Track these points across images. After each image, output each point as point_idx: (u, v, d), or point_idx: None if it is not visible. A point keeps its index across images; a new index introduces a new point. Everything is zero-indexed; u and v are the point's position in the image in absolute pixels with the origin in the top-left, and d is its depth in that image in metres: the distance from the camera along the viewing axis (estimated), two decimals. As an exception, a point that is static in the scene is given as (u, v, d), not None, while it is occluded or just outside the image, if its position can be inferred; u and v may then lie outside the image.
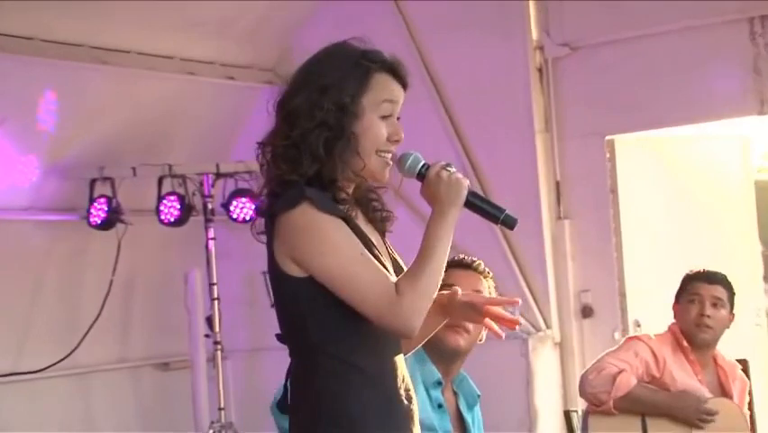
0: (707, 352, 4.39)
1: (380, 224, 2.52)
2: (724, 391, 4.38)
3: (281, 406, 2.45)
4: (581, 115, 6.33)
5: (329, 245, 2.29)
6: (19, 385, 5.86)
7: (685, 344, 4.35)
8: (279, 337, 2.44)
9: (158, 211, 6.03)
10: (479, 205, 2.43)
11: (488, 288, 3.50)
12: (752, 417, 4.61)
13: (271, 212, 2.36)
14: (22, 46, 5.52)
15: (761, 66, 5.88)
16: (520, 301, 2.58)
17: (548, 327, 6.32)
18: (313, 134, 2.35)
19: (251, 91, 6.55)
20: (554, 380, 6.23)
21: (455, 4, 6.35)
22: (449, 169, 2.41)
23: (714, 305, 4.33)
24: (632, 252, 6.32)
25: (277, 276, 2.37)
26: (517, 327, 2.57)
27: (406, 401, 2.41)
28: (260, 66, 6.73)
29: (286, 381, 2.44)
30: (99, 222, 6.02)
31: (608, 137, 6.31)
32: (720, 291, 4.35)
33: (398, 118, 2.46)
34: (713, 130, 6.54)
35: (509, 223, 2.42)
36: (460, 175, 2.40)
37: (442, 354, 3.39)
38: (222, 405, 6.07)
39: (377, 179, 2.45)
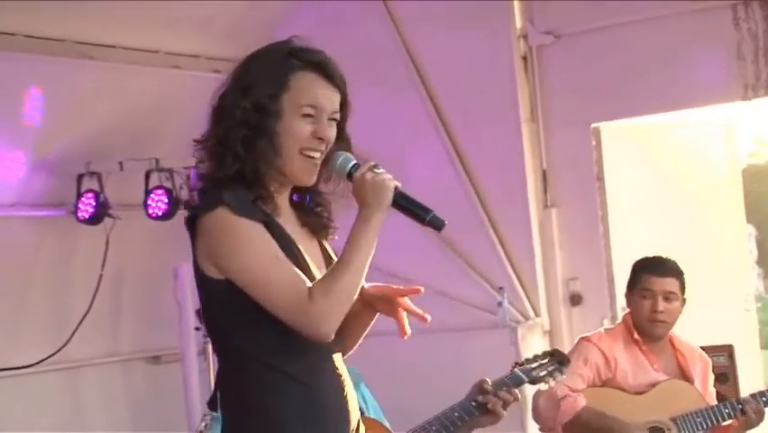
0: (660, 341, 4.35)
1: (321, 231, 2.50)
2: (684, 375, 4.34)
3: (211, 403, 2.44)
4: (567, 104, 6.33)
5: (243, 249, 2.28)
6: (10, 381, 5.86)
7: (636, 336, 4.29)
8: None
9: (145, 205, 6.02)
10: (405, 206, 2.38)
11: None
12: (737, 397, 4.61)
13: (192, 214, 2.37)
14: (6, 42, 5.51)
15: (745, 51, 5.89)
16: (422, 290, 2.47)
17: (537, 315, 6.34)
18: (233, 133, 2.36)
19: (237, 84, 6.52)
20: (544, 367, 6.23)
21: (439, -5, 6.36)
22: (375, 170, 2.36)
23: (666, 299, 4.25)
24: (619, 239, 6.33)
25: (199, 277, 2.37)
26: (426, 323, 2.47)
27: (338, 401, 2.38)
28: (246, 59, 6.71)
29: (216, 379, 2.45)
30: (87, 217, 6.02)
31: (593, 125, 6.31)
32: (671, 284, 4.27)
33: (338, 119, 2.42)
34: (698, 116, 6.55)
35: (436, 224, 2.36)
36: (387, 176, 2.35)
37: None
38: (213, 397, 6.08)
39: (302, 180, 2.42)
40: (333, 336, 2.29)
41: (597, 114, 6.29)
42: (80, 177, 6.06)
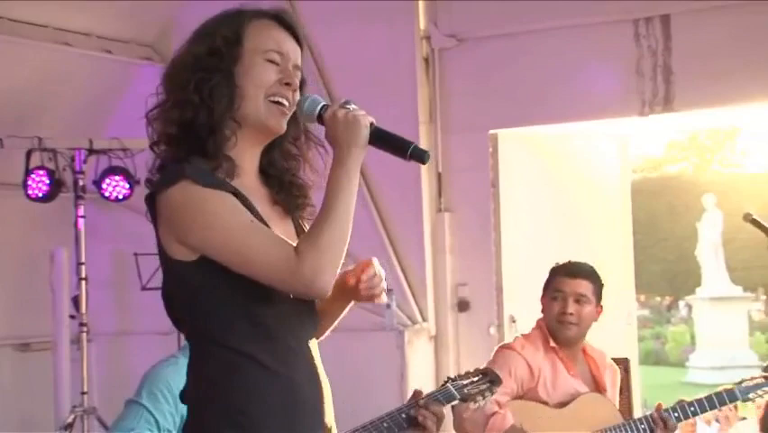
0: (574, 347, 4.30)
1: (296, 210, 2.36)
2: (596, 382, 4.31)
3: (182, 395, 2.30)
4: (466, 108, 6.30)
5: (214, 218, 2.14)
6: None
7: (552, 344, 4.23)
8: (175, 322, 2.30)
9: (25, 185, 5.81)
10: (384, 141, 2.23)
11: None
12: (630, 410, 4.63)
13: (151, 193, 2.21)
14: None
15: (643, 67, 5.94)
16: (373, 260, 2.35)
17: (424, 319, 6.29)
18: (188, 82, 2.21)
19: (129, 67, 6.34)
20: (429, 373, 6.20)
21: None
22: (347, 106, 2.22)
23: (577, 301, 4.15)
24: (510, 247, 6.33)
25: (165, 261, 2.22)
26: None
27: (308, 390, 2.25)
28: (139, 41, 6.54)
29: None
30: (-39, 194, 5.77)
31: (491, 131, 6.30)
32: (584, 286, 4.17)
33: (301, 76, 2.29)
34: (594, 128, 6.59)
35: (420, 156, 2.22)
36: (360, 112, 2.21)
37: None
38: (85, 389, 5.89)
39: (270, 125, 2.26)
40: (330, 291, 2.15)
41: (495, 120, 6.27)
42: (-45, 152, 5.80)
